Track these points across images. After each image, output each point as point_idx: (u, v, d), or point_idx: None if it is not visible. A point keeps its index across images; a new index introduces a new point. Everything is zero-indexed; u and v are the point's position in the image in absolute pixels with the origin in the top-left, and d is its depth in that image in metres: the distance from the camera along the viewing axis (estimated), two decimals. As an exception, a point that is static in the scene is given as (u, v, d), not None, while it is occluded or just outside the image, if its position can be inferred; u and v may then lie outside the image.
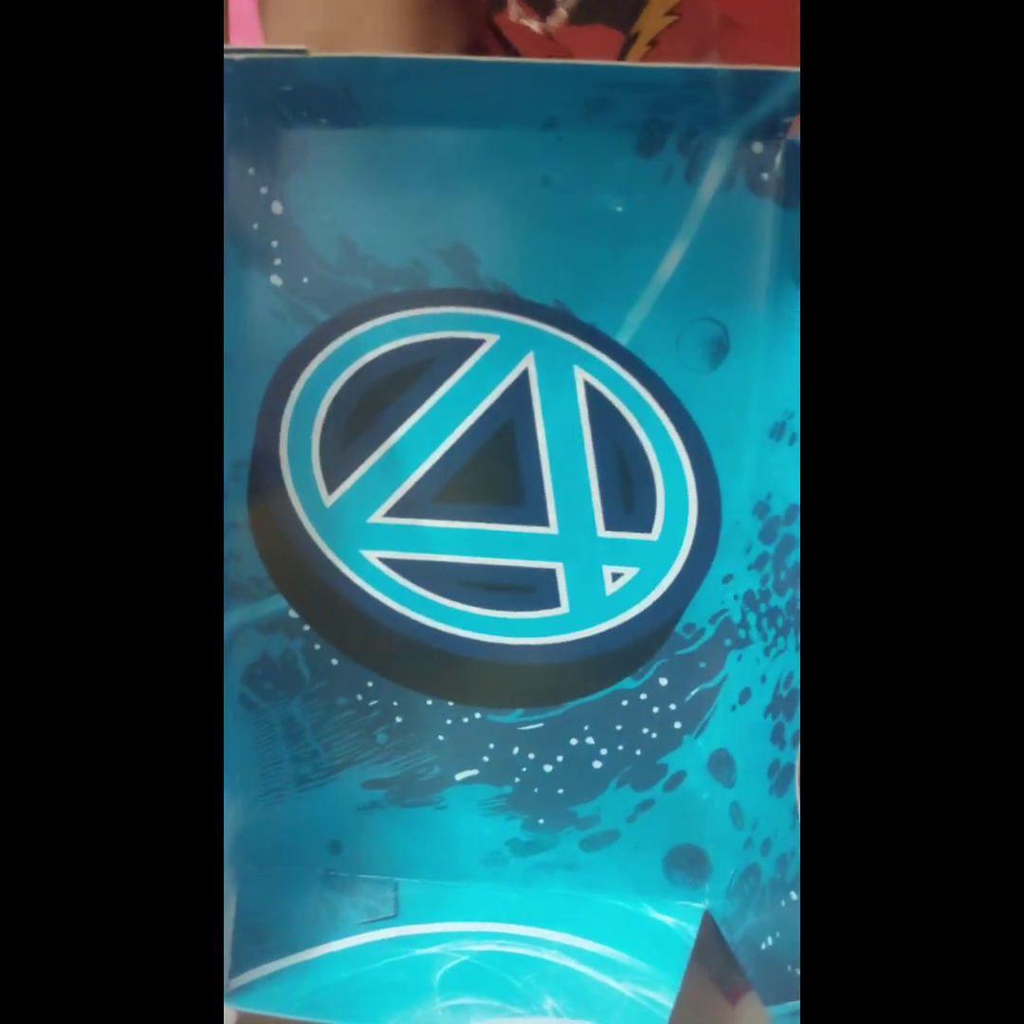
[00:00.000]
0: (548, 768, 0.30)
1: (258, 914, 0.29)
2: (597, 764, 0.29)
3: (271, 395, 0.27)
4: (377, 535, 0.28)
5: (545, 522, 0.28)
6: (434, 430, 0.27)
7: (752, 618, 0.28)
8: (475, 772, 0.30)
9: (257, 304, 0.27)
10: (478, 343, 0.27)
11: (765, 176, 0.25)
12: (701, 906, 0.30)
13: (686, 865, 0.30)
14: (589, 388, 0.27)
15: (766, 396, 0.26)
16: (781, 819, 0.26)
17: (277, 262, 0.26)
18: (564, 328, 0.27)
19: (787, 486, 0.26)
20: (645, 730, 0.29)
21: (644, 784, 0.29)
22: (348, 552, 0.28)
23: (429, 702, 0.29)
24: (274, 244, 0.26)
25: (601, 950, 0.29)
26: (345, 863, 0.30)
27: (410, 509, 0.28)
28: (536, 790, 0.30)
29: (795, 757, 0.26)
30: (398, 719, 0.29)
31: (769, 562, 0.27)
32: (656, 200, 0.25)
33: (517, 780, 0.30)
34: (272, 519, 0.28)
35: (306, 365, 0.27)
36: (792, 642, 0.26)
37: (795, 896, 0.25)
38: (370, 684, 0.29)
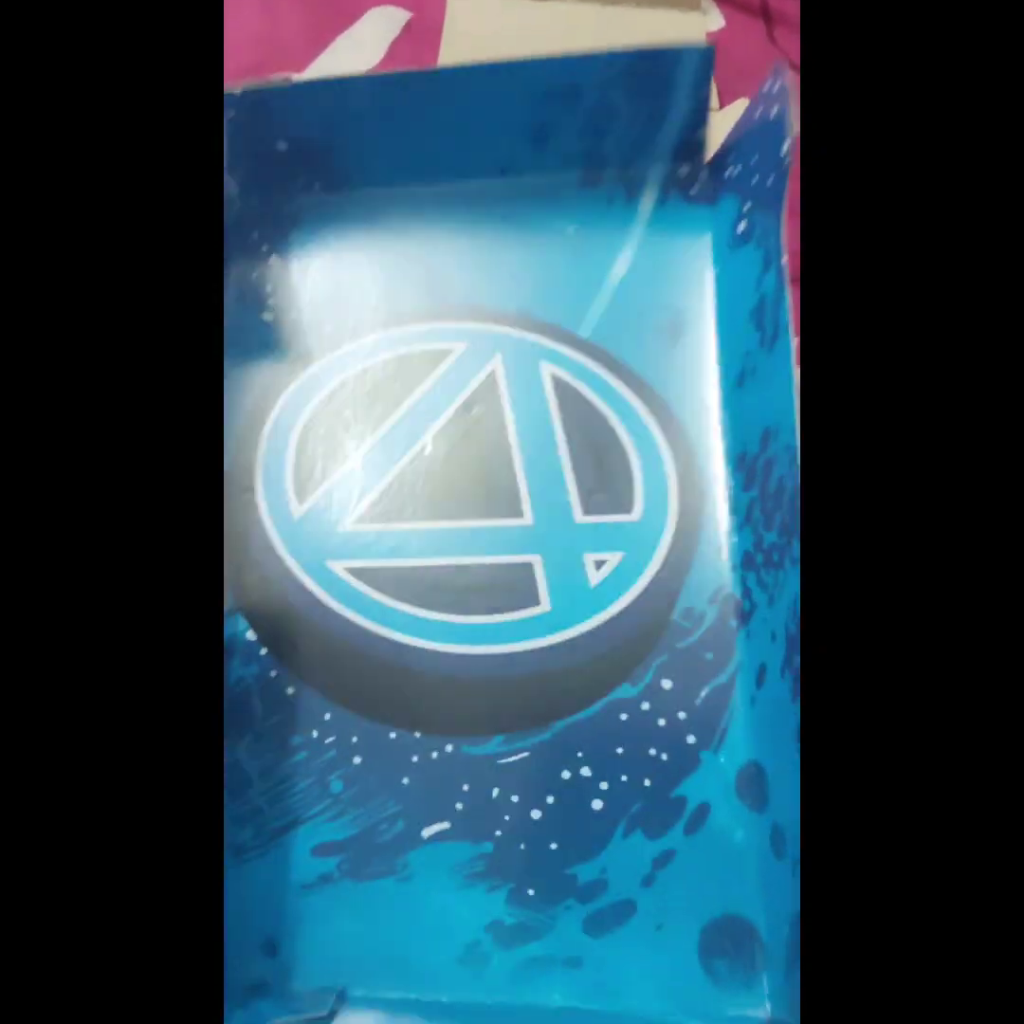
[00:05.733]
0: (536, 814, 0.24)
1: None
2: (597, 804, 0.24)
3: (253, 412, 0.28)
4: (345, 544, 0.27)
5: (518, 513, 0.26)
6: (404, 436, 0.28)
7: (752, 579, 0.24)
8: (446, 825, 0.24)
9: (248, 335, 0.29)
10: (445, 353, 0.28)
11: (693, 190, 0.29)
12: (761, 1015, 0.21)
13: (732, 950, 0.22)
14: (557, 381, 0.28)
15: (725, 350, 0.27)
16: None
17: (269, 302, 0.30)
18: (528, 329, 0.28)
19: (755, 420, 0.25)
20: (653, 751, 0.24)
21: (659, 828, 0.23)
22: (314, 564, 0.27)
23: (393, 734, 0.25)
24: (268, 288, 0.30)
25: None
26: (280, 969, 0.23)
27: (380, 514, 0.27)
28: (522, 846, 0.24)
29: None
30: (356, 759, 0.25)
31: (757, 507, 0.24)
32: (603, 219, 0.29)
33: (498, 833, 0.24)
34: (239, 533, 0.27)
35: (285, 387, 0.29)
36: (788, 561, 0.22)
37: None
38: (328, 716, 0.25)
